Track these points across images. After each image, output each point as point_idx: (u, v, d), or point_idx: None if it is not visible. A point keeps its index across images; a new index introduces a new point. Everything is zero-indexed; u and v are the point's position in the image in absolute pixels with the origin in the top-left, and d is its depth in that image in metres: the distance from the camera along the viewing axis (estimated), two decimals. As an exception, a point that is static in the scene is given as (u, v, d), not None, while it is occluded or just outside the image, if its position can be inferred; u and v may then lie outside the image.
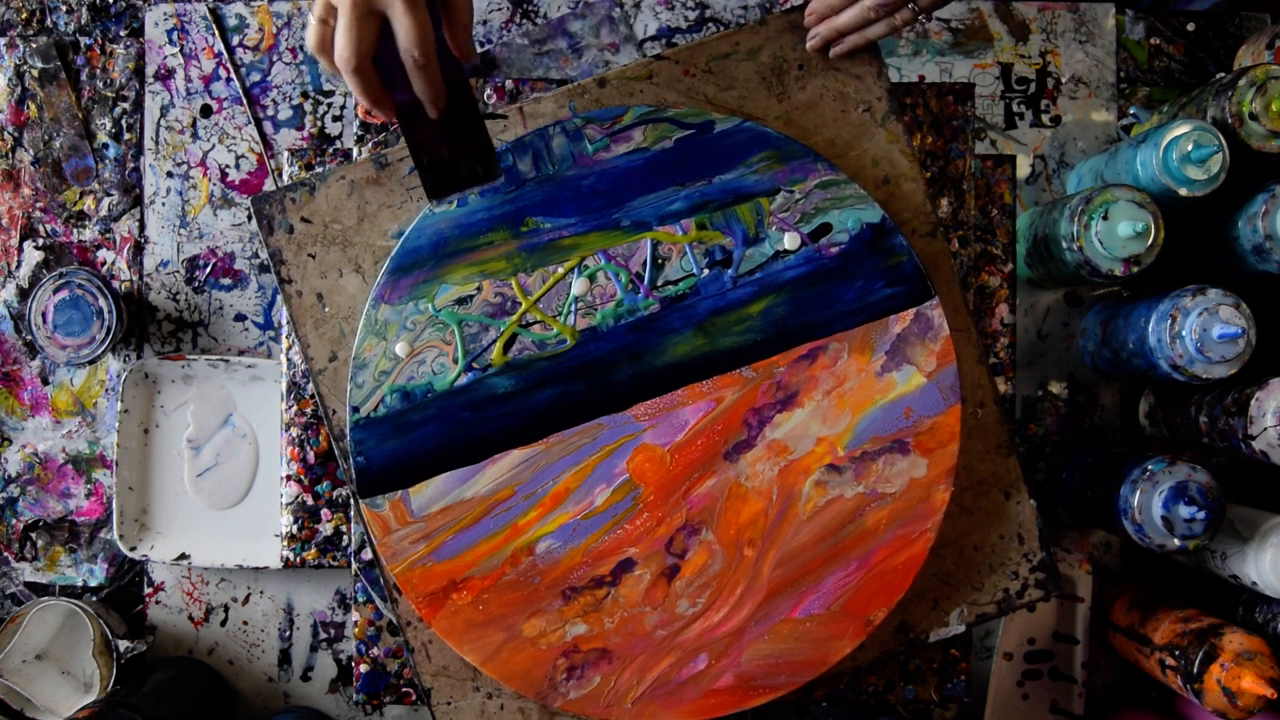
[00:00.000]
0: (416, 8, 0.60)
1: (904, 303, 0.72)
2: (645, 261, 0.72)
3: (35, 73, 0.92)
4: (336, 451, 0.71)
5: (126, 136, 0.93)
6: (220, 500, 0.90)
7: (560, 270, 0.72)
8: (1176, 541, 0.76)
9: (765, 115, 0.73)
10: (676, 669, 0.71)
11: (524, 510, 0.71)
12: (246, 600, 0.91)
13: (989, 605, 0.74)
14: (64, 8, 0.93)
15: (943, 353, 0.72)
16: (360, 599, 0.77)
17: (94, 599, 0.91)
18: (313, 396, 0.80)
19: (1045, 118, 0.92)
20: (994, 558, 0.74)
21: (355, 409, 0.71)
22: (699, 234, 0.72)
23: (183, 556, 0.88)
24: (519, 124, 0.73)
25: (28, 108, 0.93)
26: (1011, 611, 0.74)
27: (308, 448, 0.81)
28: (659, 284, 0.72)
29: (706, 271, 0.72)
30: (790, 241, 0.72)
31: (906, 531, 0.72)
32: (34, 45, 0.92)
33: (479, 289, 0.71)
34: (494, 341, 0.72)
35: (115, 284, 0.91)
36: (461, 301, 0.71)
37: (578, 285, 0.72)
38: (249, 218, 0.92)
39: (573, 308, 0.72)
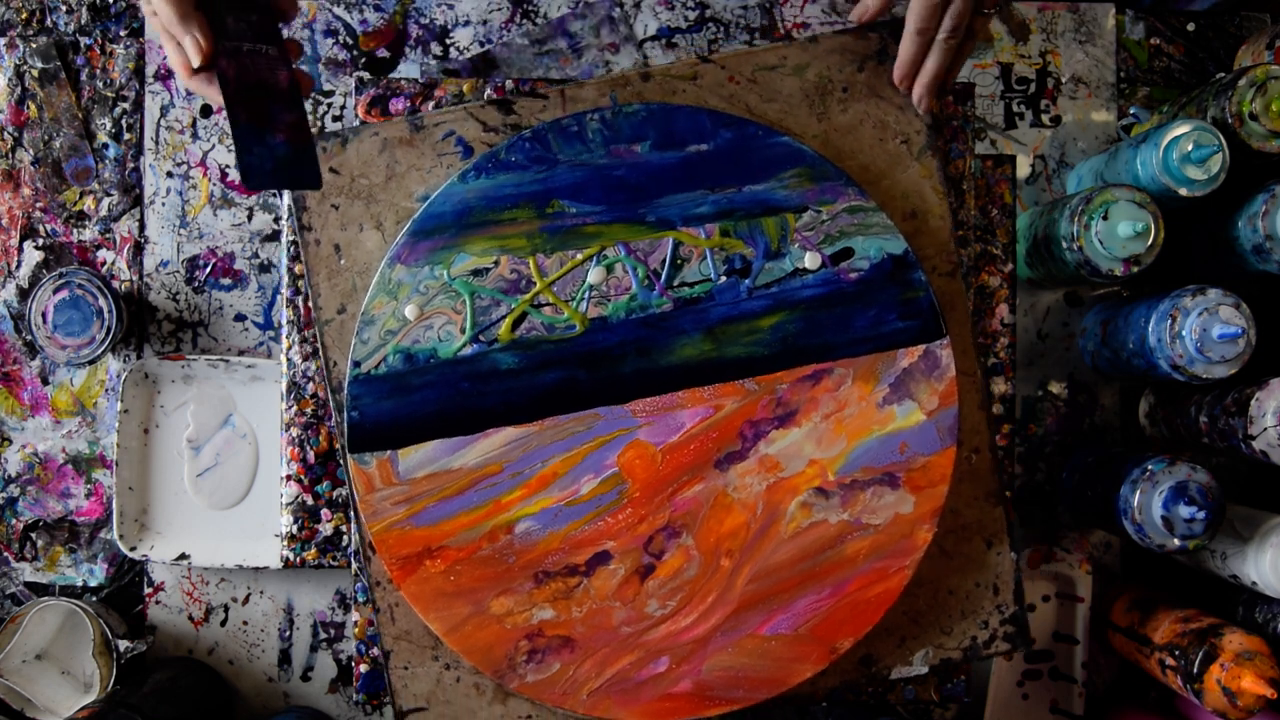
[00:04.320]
0: (166, 35, 0.61)
1: (915, 338, 0.72)
2: (665, 260, 0.72)
3: (35, 73, 0.92)
4: (331, 404, 0.72)
5: (126, 136, 0.93)
6: (220, 500, 0.90)
7: (579, 256, 0.72)
8: (1176, 541, 0.76)
9: (803, 132, 0.73)
10: (637, 668, 0.71)
11: (509, 488, 0.71)
12: (246, 600, 0.91)
13: (955, 651, 0.74)
14: (64, 8, 0.93)
15: (946, 393, 0.72)
16: (360, 599, 0.77)
17: (94, 599, 0.91)
18: (313, 396, 0.80)
19: (1045, 118, 0.92)
20: (967, 604, 0.74)
21: (357, 364, 0.71)
22: (721, 240, 0.72)
23: (183, 556, 0.88)
24: (559, 106, 0.73)
25: (28, 108, 0.92)
26: (976, 660, 0.74)
27: (308, 448, 0.81)
28: (675, 284, 0.72)
29: (724, 278, 0.72)
30: (811, 261, 0.72)
31: (884, 565, 0.72)
32: (34, 45, 0.92)
33: (496, 263, 0.72)
34: (504, 317, 0.72)
35: (115, 284, 0.91)
36: (477, 273, 0.72)
37: (594, 274, 0.72)
38: (249, 218, 0.92)
39: (586, 295, 0.72)
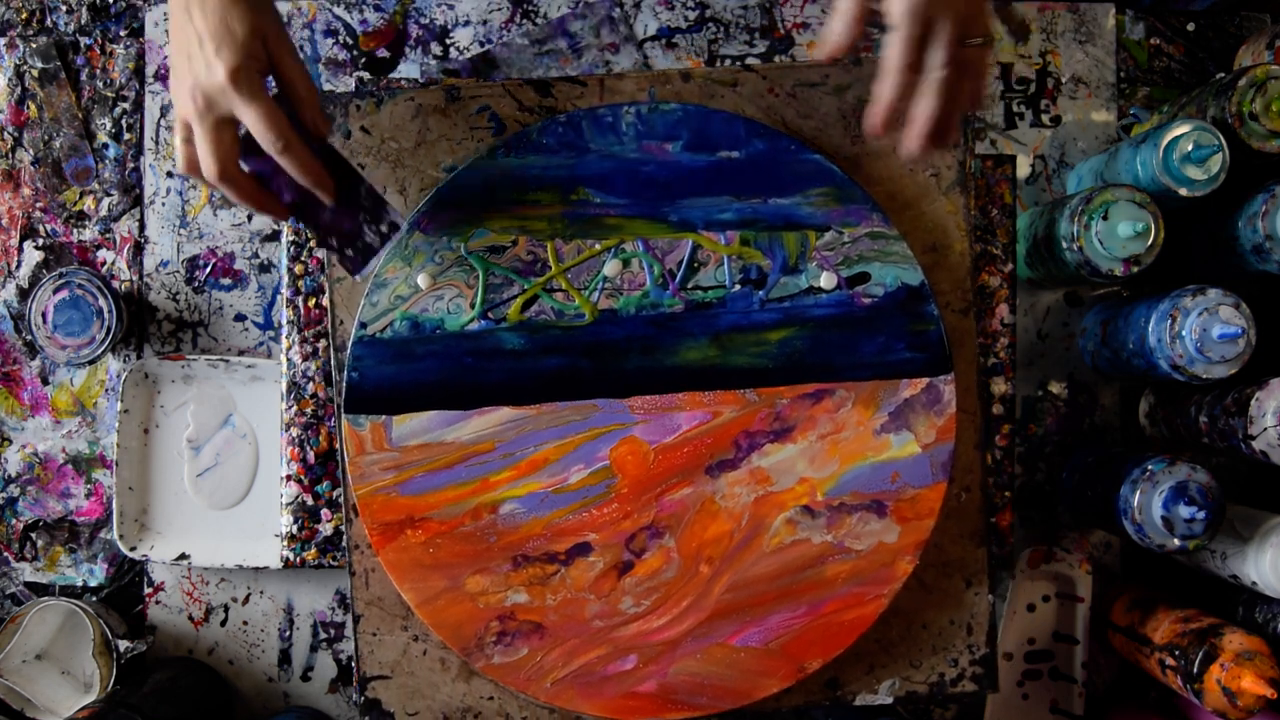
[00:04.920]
0: (257, 97, 0.60)
1: (920, 370, 0.72)
2: (682, 261, 0.72)
3: (35, 73, 0.92)
4: (333, 363, 0.72)
5: (126, 136, 0.92)
6: (220, 500, 0.90)
7: (597, 246, 0.72)
8: (1176, 541, 0.76)
9: (835, 152, 0.73)
10: (604, 662, 0.72)
11: (499, 468, 0.72)
12: (246, 600, 0.91)
13: (921, 685, 0.74)
14: (64, 8, 0.93)
15: (944, 429, 0.72)
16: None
17: (94, 599, 0.91)
18: (313, 396, 0.80)
19: (1045, 118, 0.92)
20: (939, 640, 0.74)
21: (363, 325, 0.72)
22: (740, 249, 0.72)
23: (183, 556, 0.88)
24: (596, 95, 0.73)
25: (28, 108, 0.92)
26: (942, 697, 0.74)
27: (308, 448, 0.81)
28: (689, 286, 0.73)
29: (738, 287, 0.72)
30: (826, 281, 0.72)
31: (862, 591, 0.72)
32: (34, 45, 0.92)
33: (514, 242, 0.72)
34: (514, 297, 0.72)
35: (115, 284, 0.91)
36: (494, 250, 0.72)
37: (610, 266, 0.72)
38: (249, 218, 0.92)
39: (599, 286, 0.72)
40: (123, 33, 0.93)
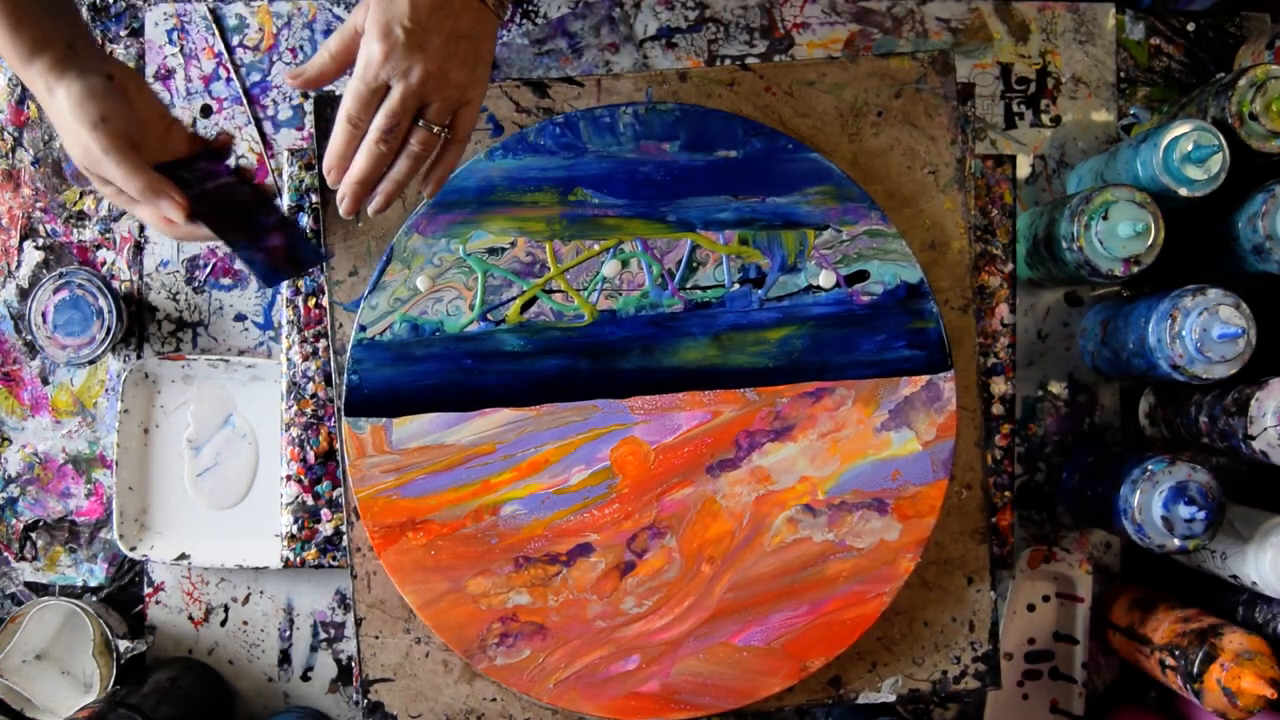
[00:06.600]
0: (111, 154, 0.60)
1: (920, 368, 0.72)
2: (681, 261, 0.72)
3: (35, 73, 0.92)
4: (333, 367, 0.72)
5: (126, 136, 0.92)
6: (220, 500, 0.90)
7: (596, 247, 0.72)
8: (1176, 541, 0.76)
9: (833, 151, 0.74)
10: (606, 663, 0.72)
11: (500, 470, 0.72)
12: (246, 600, 0.91)
13: (924, 682, 0.74)
14: (64, 8, 0.93)
15: (944, 426, 0.72)
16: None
17: (94, 599, 0.91)
18: (313, 396, 0.80)
19: (1045, 118, 0.92)
20: (941, 638, 0.74)
21: (363, 328, 0.72)
22: (739, 248, 0.73)
23: (183, 556, 0.88)
24: (593, 95, 0.73)
25: (28, 108, 0.92)
26: (945, 694, 0.74)
27: (308, 448, 0.80)
28: (688, 286, 0.73)
29: (737, 286, 0.73)
30: (825, 279, 0.73)
31: (864, 590, 0.72)
32: (34, 45, 0.92)
33: (513, 244, 0.72)
34: (514, 299, 0.72)
35: (115, 284, 0.91)
36: (493, 252, 0.72)
37: (609, 267, 0.72)
38: (249, 218, 0.92)
39: (599, 287, 0.72)
40: (123, 33, 0.93)
